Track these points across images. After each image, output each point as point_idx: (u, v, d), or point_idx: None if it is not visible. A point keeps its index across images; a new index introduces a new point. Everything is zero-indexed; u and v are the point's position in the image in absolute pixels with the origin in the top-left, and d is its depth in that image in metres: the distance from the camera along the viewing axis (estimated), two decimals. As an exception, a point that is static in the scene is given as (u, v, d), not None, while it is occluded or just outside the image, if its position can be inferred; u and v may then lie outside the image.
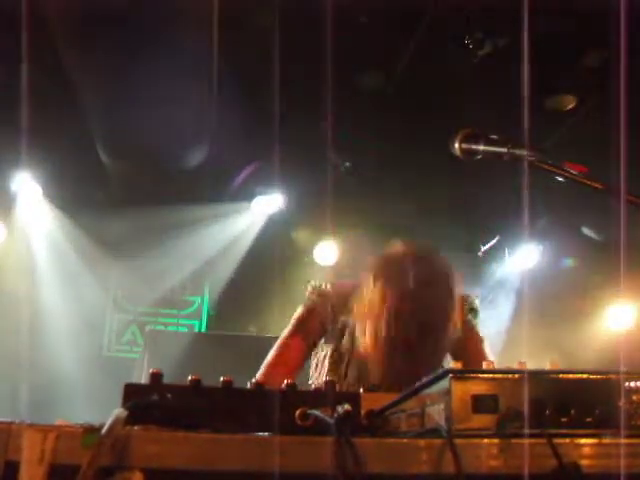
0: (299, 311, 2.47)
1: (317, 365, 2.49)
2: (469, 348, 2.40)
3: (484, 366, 1.18)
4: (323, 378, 2.39)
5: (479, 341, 2.48)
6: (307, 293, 2.49)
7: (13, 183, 5.96)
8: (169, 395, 1.15)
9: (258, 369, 2.32)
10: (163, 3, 4.35)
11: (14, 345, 5.59)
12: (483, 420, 1.09)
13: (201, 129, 5.23)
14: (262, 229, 6.54)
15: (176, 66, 4.53)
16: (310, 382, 2.48)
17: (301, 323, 2.45)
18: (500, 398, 1.09)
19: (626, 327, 6.33)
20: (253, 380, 1.24)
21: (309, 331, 2.43)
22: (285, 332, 2.45)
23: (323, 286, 2.47)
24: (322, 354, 2.47)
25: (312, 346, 2.45)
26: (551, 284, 6.36)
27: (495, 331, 5.75)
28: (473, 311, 2.50)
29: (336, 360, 2.41)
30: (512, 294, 6.68)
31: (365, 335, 2.22)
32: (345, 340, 2.39)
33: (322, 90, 4.84)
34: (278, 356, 2.38)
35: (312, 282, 2.51)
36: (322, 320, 2.42)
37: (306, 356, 2.45)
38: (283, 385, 1.23)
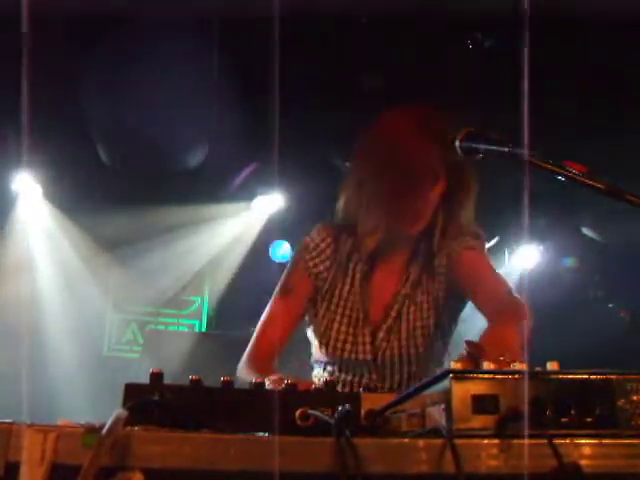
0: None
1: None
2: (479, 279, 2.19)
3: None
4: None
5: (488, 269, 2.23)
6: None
7: (13, 183, 5.96)
8: (169, 395, 1.15)
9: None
10: (163, 3, 4.36)
11: (14, 345, 5.59)
12: (483, 420, 1.09)
13: (201, 129, 5.23)
14: (262, 229, 6.53)
15: (176, 66, 4.54)
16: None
17: (283, 284, 2.32)
18: (500, 398, 1.10)
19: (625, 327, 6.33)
20: (253, 380, 1.24)
21: (293, 288, 2.29)
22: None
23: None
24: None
25: (304, 301, 2.29)
26: (551, 284, 6.35)
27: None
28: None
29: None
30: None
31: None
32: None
33: (323, 89, 4.84)
34: (264, 324, 2.30)
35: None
36: (306, 267, 2.27)
37: (296, 313, 2.30)
38: (283, 385, 1.23)
